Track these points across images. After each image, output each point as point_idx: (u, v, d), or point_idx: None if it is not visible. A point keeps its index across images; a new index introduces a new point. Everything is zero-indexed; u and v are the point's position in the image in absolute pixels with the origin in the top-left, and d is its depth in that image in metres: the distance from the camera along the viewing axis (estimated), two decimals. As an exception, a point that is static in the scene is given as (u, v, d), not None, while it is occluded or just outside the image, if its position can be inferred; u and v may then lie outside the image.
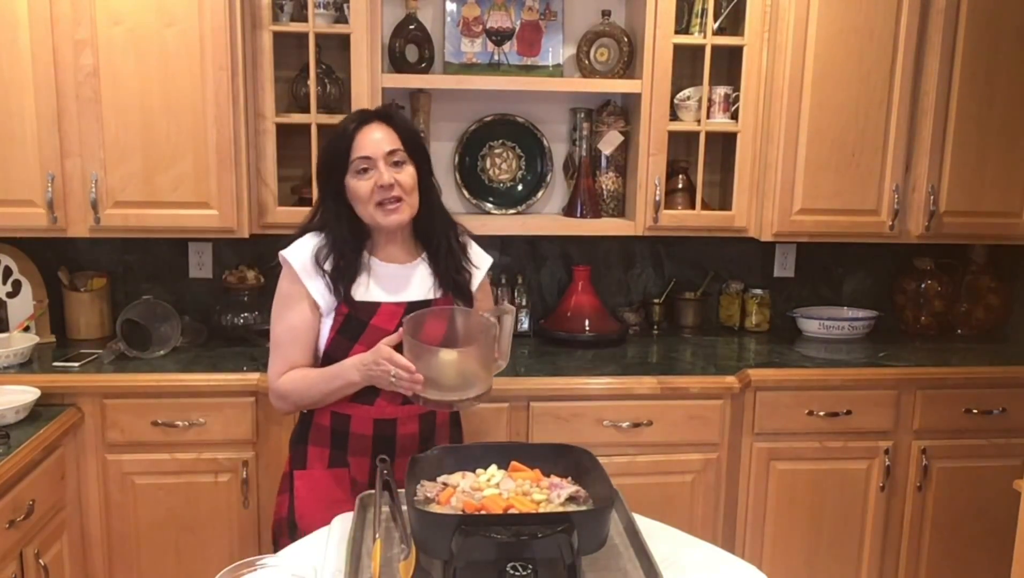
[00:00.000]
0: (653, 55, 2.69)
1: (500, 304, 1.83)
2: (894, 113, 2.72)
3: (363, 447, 1.85)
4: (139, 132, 2.50)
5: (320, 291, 1.82)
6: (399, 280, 1.87)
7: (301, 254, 1.84)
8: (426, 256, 1.91)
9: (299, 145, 2.66)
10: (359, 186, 1.79)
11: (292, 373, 1.84)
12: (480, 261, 1.99)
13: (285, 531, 1.85)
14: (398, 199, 1.79)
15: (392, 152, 1.79)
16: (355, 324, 1.81)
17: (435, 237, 1.90)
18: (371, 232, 1.87)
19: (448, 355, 1.69)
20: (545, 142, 2.99)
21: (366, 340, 1.79)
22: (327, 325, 1.84)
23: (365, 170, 1.79)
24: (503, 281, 2.99)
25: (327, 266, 1.82)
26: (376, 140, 1.80)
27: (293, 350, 1.84)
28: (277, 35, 2.60)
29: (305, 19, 2.60)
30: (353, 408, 1.83)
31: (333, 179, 1.84)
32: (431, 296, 1.88)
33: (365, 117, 1.84)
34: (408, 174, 1.81)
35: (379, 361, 1.69)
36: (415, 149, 1.85)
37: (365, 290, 1.84)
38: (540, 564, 1.28)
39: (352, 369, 1.76)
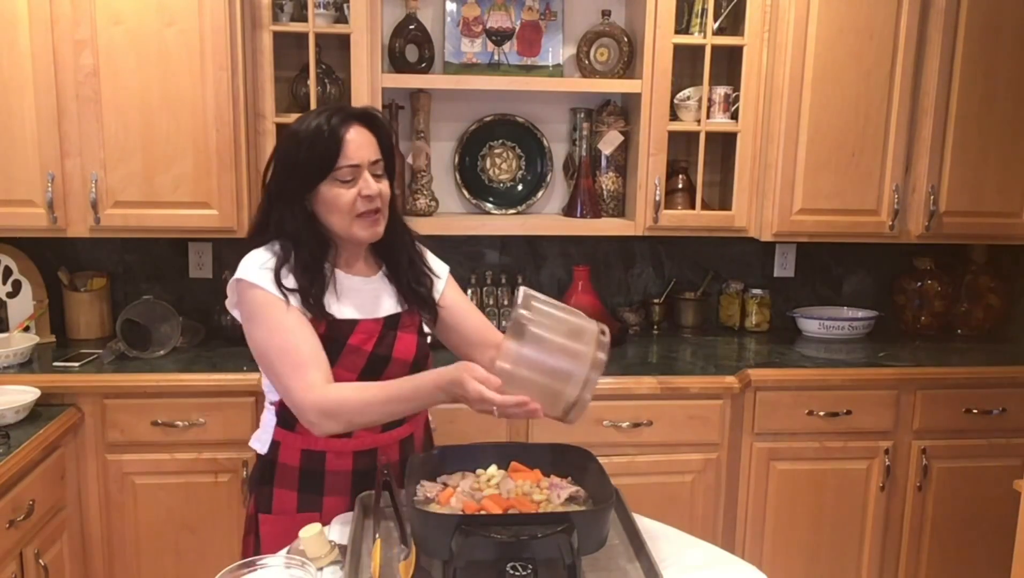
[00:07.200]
0: (653, 55, 2.69)
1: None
2: (894, 113, 2.72)
3: (341, 486, 1.67)
4: (139, 132, 2.50)
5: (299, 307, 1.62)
6: (366, 294, 1.71)
7: (263, 272, 1.61)
8: (385, 269, 1.77)
9: (299, 145, 2.65)
10: (341, 195, 1.61)
11: (341, 386, 1.56)
12: (438, 270, 1.84)
13: None
14: (378, 211, 1.65)
15: (375, 162, 1.64)
16: (330, 346, 1.61)
17: (397, 249, 1.76)
18: (334, 244, 1.69)
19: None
20: (545, 142, 2.99)
21: (343, 363, 1.62)
22: None
23: (351, 179, 1.61)
24: (503, 281, 3.00)
25: (294, 283, 1.61)
26: (363, 146, 1.62)
27: (318, 352, 1.57)
28: (277, 35, 2.59)
29: (305, 19, 2.60)
30: (329, 443, 1.65)
31: (304, 184, 1.62)
32: (398, 309, 1.73)
33: (348, 116, 1.63)
34: (386, 186, 1.67)
35: (469, 394, 1.43)
36: (390, 157, 1.70)
37: (337, 308, 1.65)
38: (540, 564, 1.27)
39: (435, 391, 1.50)
